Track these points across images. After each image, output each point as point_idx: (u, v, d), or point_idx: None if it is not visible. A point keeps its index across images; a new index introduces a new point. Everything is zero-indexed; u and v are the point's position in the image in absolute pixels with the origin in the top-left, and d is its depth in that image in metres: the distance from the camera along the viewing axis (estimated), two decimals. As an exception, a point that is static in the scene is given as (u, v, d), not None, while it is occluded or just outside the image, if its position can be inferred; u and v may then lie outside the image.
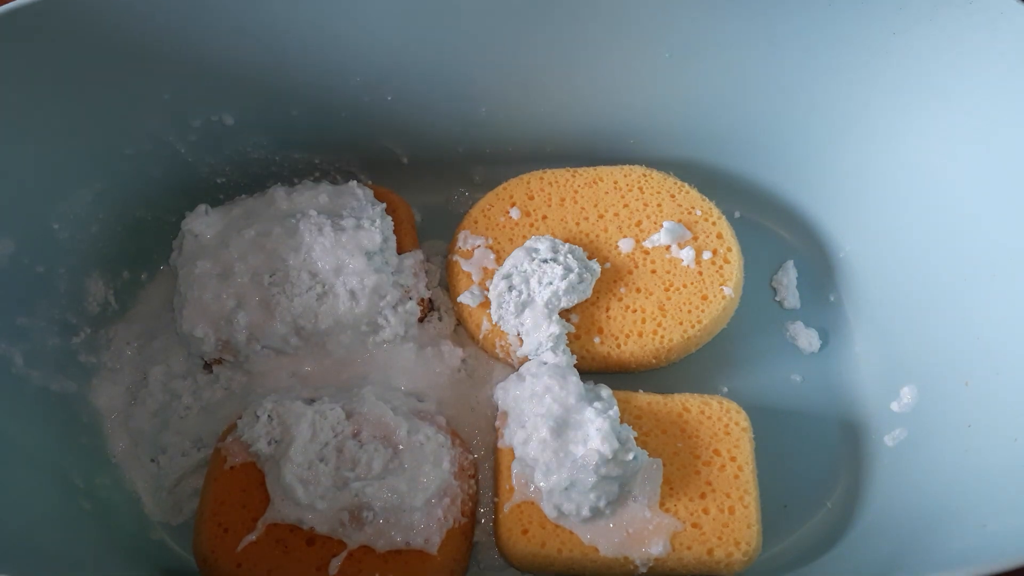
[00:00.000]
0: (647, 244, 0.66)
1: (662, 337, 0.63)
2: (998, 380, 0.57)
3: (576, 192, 0.68)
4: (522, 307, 0.62)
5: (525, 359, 0.63)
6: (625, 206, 0.67)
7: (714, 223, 0.66)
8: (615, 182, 0.68)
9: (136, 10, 0.56)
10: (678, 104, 0.68)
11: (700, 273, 0.64)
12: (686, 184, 0.68)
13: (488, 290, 0.64)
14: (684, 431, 0.59)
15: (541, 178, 0.69)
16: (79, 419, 0.62)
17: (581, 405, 0.57)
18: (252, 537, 0.54)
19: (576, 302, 0.62)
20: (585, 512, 0.54)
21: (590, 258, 0.64)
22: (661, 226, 0.66)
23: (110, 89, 0.59)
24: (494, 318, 0.63)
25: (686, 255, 0.65)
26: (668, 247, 0.65)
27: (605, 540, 0.55)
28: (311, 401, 0.58)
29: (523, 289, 0.62)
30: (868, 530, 0.60)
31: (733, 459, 0.58)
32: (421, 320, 0.66)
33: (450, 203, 0.74)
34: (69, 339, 0.63)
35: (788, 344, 0.69)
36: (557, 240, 0.64)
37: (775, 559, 0.60)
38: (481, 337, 0.65)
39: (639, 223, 0.67)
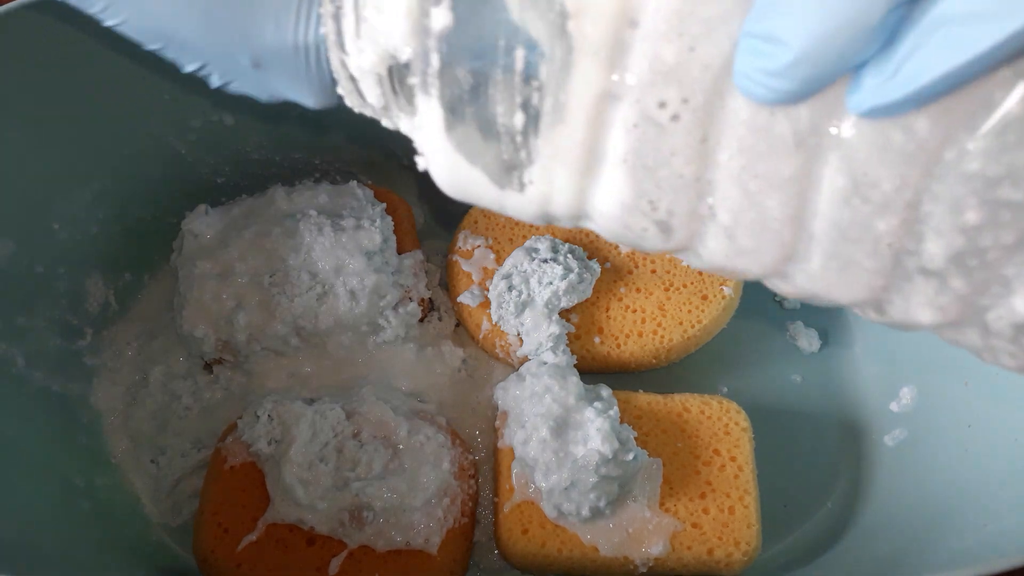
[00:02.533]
0: (647, 244, 0.66)
1: (662, 337, 0.63)
2: (998, 380, 0.57)
3: (576, 192, 0.68)
4: (522, 307, 0.62)
5: (525, 359, 0.63)
6: (625, 206, 0.67)
7: (714, 223, 0.66)
8: (615, 182, 0.68)
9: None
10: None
11: (700, 273, 0.64)
12: (686, 184, 0.68)
13: (488, 290, 0.64)
14: (684, 431, 0.59)
15: (541, 178, 0.69)
16: (79, 419, 0.62)
17: (581, 405, 0.57)
18: (252, 537, 0.54)
19: (576, 302, 0.62)
20: (585, 512, 0.54)
21: (590, 258, 0.64)
22: (661, 226, 0.66)
23: (110, 89, 0.59)
24: (494, 318, 0.63)
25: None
26: (668, 247, 0.65)
27: (605, 540, 0.55)
28: (311, 401, 0.58)
29: (523, 289, 0.62)
30: (868, 530, 0.60)
31: (733, 459, 0.58)
32: (421, 320, 0.66)
33: (450, 203, 0.74)
34: (70, 340, 0.63)
35: (788, 344, 0.69)
36: (557, 240, 0.64)
37: (775, 559, 0.60)
38: (481, 337, 0.65)
39: (639, 223, 0.67)
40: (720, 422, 0.60)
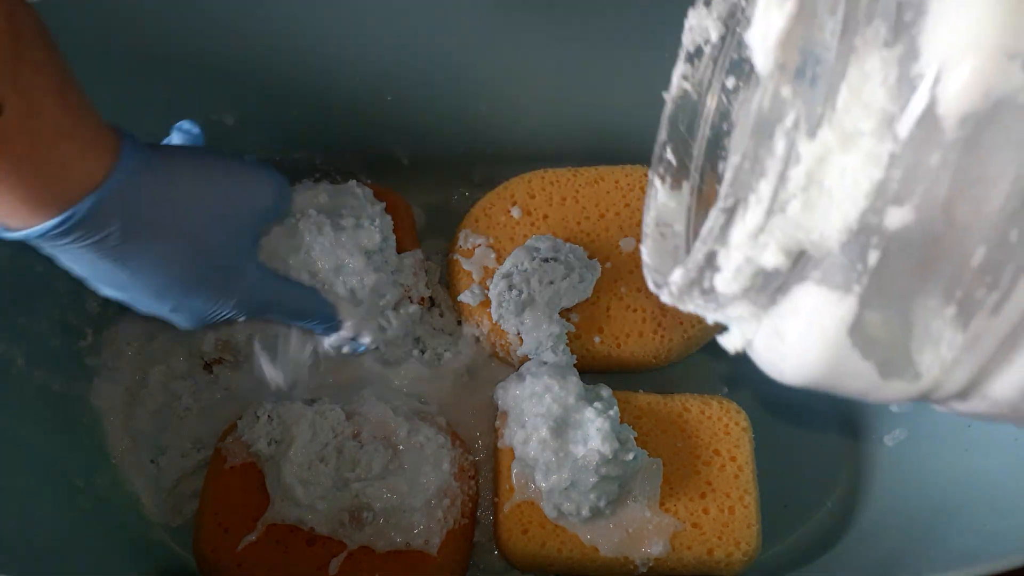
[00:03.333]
0: (648, 244, 0.66)
1: (662, 337, 0.63)
2: (998, 380, 0.57)
3: (577, 191, 0.68)
4: (522, 306, 0.62)
5: (525, 358, 0.63)
6: (626, 205, 0.67)
7: (714, 223, 0.66)
8: (616, 181, 0.68)
9: (136, 10, 0.56)
10: (678, 103, 0.68)
11: (700, 273, 0.64)
12: (687, 184, 0.68)
13: (488, 289, 0.64)
14: (684, 431, 0.59)
15: (542, 177, 0.69)
16: (79, 419, 0.62)
17: (581, 405, 0.57)
18: (252, 537, 0.54)
19: (576, 301, 0.62)
20: (585, 512, 0.54)
21: (591, 257, 0.64)
22: (662, 225, 0.66)
23: (110, 89, 0.59)
24: (494, 317, 0.63)
25: (687, 255, 0.65)
26: (669, 247, 0.65)
27: (605, 540, 0.55)
28: (311, 402, 0.58)
29: (523, 288, 0.62)
30: (868, 530, 0.60)
31: (733, 459, 0.58)
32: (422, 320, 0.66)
33: (450, 203, 0.74)
34: (70, 339, 0.63)
35: (788, 344, 0.69)
36: (558, 239, 0.64)
37: (775, 559, 0.60)
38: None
39: (640, 222, 0.66)
40: (720, 422, 0.60)
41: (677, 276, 0.33)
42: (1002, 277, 0.29)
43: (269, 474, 0.55)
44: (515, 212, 0.67)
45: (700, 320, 0.63)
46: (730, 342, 0.36)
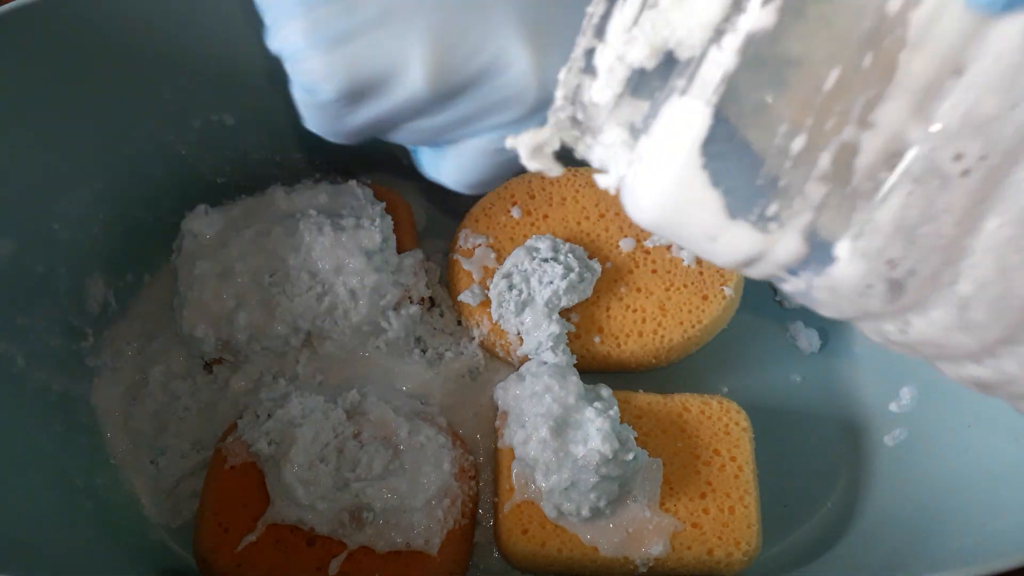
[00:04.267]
0: (648, 244, 0.66)
1: (662, 337, 0.63)
2: (998, 380, 0.57)
3: (577, 191, 0.68)
4: (522, 306, 0.62)
5: (525, 358, 0.63)
6: (626, 206, 0.67)
7: (714, 223, 0.66)
8: (615, 181, 0.68)
9: (136, 9, 0.56)
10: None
11: (700, 273, 0.64)
12: (687, 184, 0.68)
13: (488, 289, 0.64)
14: (684, 431, 0.59)
15: (542, 177, 0.69)
16: (79, 419, 0.62)
17: (581, 405, 0.57)
18: (252, 537, 0.54)
19: (576, 301, 0.62)
20: (585, 512, 0.54)
21: (591, 257, 0.64)
22: (662, 226, 0.66)
23: (110, 89, 0.59)
24: (494, 317, 0.63)
25: (687, 255, 0.65)
26: (669, 247, 0.65)
27: (605, 540, 0.55)
28: (312, 401, 0.58)
29: (523, 288, 0.62)
30: (868, 530, 0.60)
31: (733, 459, 0.58)
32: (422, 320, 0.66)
33: (450, 202, 0.74)
34: (70, 340, 0.63)
35: (788, 344, 0.69)
36: (558, 239, 0.64)
37: (775, 559, 0.60)
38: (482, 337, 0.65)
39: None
40: (720, 422, 0.60)
41: (560, 88, 0.32)
42: (853, 105, 0.27)
43: (269, 474, 0.55)
44: (515, 212, 0.67)
45: (700, 320, 0.63)
46: (604, 180, 0.33)
